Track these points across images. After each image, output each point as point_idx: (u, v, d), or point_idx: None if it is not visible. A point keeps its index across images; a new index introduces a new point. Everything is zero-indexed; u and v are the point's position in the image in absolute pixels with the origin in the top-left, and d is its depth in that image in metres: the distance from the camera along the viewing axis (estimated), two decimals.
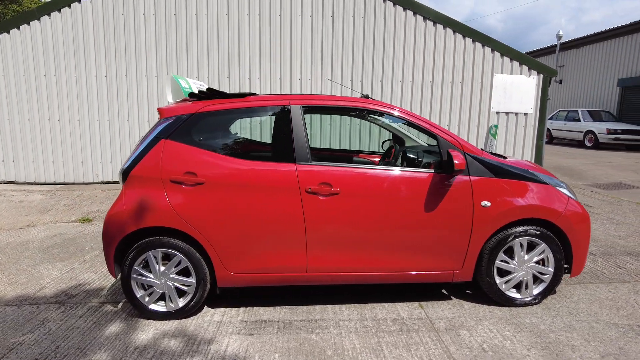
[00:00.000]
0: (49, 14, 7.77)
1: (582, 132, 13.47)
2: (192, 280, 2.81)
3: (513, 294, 2.98)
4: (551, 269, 2.95)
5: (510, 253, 2.94)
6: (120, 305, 3.09)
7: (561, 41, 17.24)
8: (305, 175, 2.77)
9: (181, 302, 2.84)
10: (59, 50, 7.79)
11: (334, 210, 2.77)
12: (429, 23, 8.24)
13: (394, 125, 3.91)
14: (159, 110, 2.94)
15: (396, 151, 3.44)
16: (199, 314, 2.94)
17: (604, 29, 15.91)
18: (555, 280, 2.97)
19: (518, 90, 8.66)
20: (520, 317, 2.84)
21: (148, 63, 7.85)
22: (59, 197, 7.02)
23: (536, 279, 3.00)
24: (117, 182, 8.03)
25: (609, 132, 12.46)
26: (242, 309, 3.02)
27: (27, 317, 2.93)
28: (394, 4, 8.14)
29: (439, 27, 8.27)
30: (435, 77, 8.43)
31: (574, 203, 2.95)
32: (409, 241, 2.83)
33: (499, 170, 2.88)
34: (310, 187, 2.76)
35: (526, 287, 2.98)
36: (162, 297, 2.89)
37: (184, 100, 3.13)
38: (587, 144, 13.43)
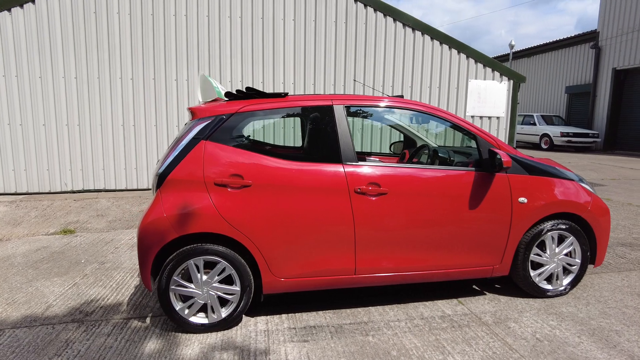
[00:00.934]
0: (9, 10, 7.14)
1: (539, 135, 14.44)
2: (236, 288, 2.67)
3: (545, 285, 3.11)
4: (578, 260, 3.11)
5: (542, 246, 3.07)
6: (148, 320, 2.87)
7: (513, 50, 18.42)
8: (354, 175, 2.73)
9: (224, 313, 2.69)
10: (21, 49, 7.18)
11: (382, 211, 2.75)
12: (408, 30, 8.49)
13: (405, 125, 3.96)
14: (193, 110, 2.78)
15: (429, 152, 3.48)
16: (240, 324, 2.79)
17: (552, 40, 17.23)
18: (582, 270, 3.14)
19: (491, 95, 9.12)
20: (556, 307, 2.96)
21: (123, 65, 7.43)
22: (27, 208, 6.43)
23: (565, 271, 3.15)
24: (90, 191, 7.50)
25: (562, 135, 13.45)
26: (284, 315, 2.91)
27: (44, 339, 2.64)
28: (375, 10, 8.31)
29: (418, 33, 8.54)
30: (415, 82, 8.68)
31: (596, 197, 3.14)
32: (454, 239, 2.88)
33: (531, 167, 3.00)
34: (359, 188, 2.72)
35: (557, 279, 3.12)
36: (202, 308, 2.72)
37: (215, 100, 2.99)
38: (543, 146, 14.43)
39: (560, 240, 3.09)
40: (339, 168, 2.73)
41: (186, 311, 2.65)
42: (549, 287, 3.10)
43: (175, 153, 2.65)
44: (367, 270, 2.80)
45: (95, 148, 7.50)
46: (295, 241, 2.67)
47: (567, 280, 3.13)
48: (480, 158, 2.94)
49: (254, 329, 2.73)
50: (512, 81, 9.17)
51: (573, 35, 15.70)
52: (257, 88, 7.96)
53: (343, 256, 2.75)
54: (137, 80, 7.52)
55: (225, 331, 2.70)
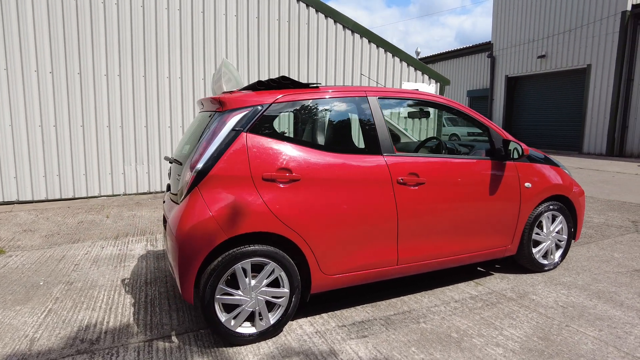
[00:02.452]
0: None
1: (448, 135, 15.96)
2: (284, 290, 2.48)
3: (542, 260, 3.47)
4: (565, 237, 3.54)
5: (540, 226, 3.42)
6: (175, 338, 2.52)
7: (419, 57, 20.11)
8: (395, 166, 2.74)
9: (273, 318, 2.48)
10: None
11: (421, 200, 2.80)
12: (348, 32, 8.74)
13: (392, 122, 4.09)
14: (223, 99, 2.52)
15: (442, 144, 3.61)
16: (285, 329, 2.61)
17: (454, 49, 19.23)
18: (568, 245, 3.57)
19: None
20: (557, 279, 3.33)
21: (39, 58, 6.38)
22: None
23: (556, 247, 3.56)
24: (6, 204, 6.29)
25: (469, 134, 15.07)
26: (324, 315, 2.79)
27: None
28: (317, 11, 8.40)
29: (357, 36, 8.84)
30: (355, 82, 8.97)
31: (574, 180, 3.60)
32: (479, 223, 3.06)
33: (531, 156, 3.33)
34: (401, 178, 2.74)
35: (551, 254, 3.51)
36: (248, 317, 2.47)
37: (240, 90, 2.76)
38: None
39: (553, 219, 3.48)
40: (380, 159, 2.72)
41: (232, 322, 2.39)
42: (545, 262, 3.48)
43: (214, 146, 2.37)
44: (408, 259, 2.83)
45: (4, 153, 6.32)
46: (343, 235, 2.59)
47: (558, 255, 3.54)
48: (492, 148, 3.17)
49: (303, 332, 2.57)
50: (438, 84, 10.01)
51: (472, 45, 17.76)
52: (175, 90, 7.49)
53: (387, 247, 2.74)
54: (58, 74, 6.53)
55: (274, 338, 2.50)
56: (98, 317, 2.82)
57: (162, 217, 5.67)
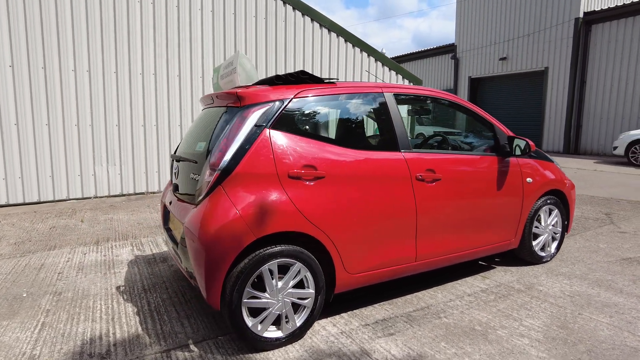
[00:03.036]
0: None
1: (416, 134, 16.36)
2: (310, 290, 2.41)
3: (541, 253, 3.60)
4: (560, 229, 3.70)
5: (538, 220, 3.55)
6: (194, 347, 2.38)
7: None
8: (413, 162, 2.74)
9: (299, 321, 2.40)
10: None
11: (437, 196, 2.82)
12: (325, 30, 8.72)
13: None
14: (241, 94, 2.40)
15: (446, 140, 3.65)
16: (309, 331, 2.53)
17: (419, 50, 19.75)
18: (562, 237, 3.73)
19: None
20: (556, 270, 3.47)
21: None
22: None
23: (552, 239, 3.71)
24: None
25: (435, 134, 15.52)
26: (344, 315, 2.74)
27: None
28: (294, 9, 8.31)
29: (333, 35, 8.84)
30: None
31: (566, 176, 3.77)
32: (489, 218, 3.12)
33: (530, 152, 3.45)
34: (419, 174, 2.74)
35: (548, 246, 3.65)
36: (274, 320, 2.37)
37: (255, 84, 2.65)
38: None
39: (549, 213, 3.62)
40: (399, 155, 2.71)
41: (259, 327, 2.28)
42: (543, 254, 3.61)
43: (237, 143, 2.26)
44: (425, 256, 2.84)
45: None
46: (366, 233, 2.55)
47: (554, 247, 3.69)
48: (497, 144, 3.25)
49: (328, 332, 2.51)
50: (412, 84, 10.21)
51: (436, 47, 18.31)
52: (149, 87, 7.21)
53: (406, 244, 2.73)
54: (19, 69, 6.04)
55: (300, 341, 2.42)
56: (101, 329, 2.61)
57: (146, 219, 5.38)
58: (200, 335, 2.50)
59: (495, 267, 3.57)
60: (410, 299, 2.97)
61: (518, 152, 3.20)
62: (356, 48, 9.20)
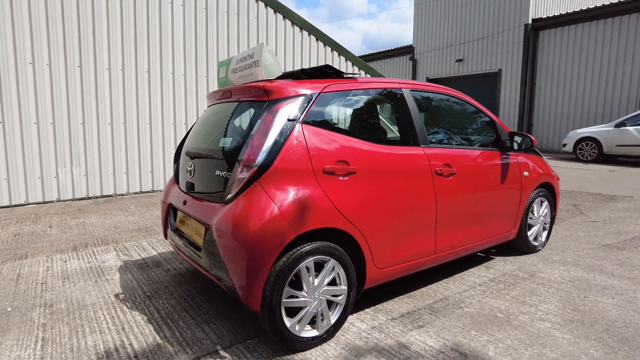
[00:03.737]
0: None
1: None
2: (343, 287, 2.37)
3: (534, 242, 3.80)
4: (549, 220, 3.92)
5: (532, 211, 3.74)
6: (224, 352, 2.26)
7: None
8: (432, 157, 2.78)
9: (333, 318, 2.36)
10: None
11: (453, 190, 2.89)
12: (296, 28, 8.67)
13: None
14: (270, 88, 2.32)
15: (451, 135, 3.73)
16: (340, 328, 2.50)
17: (378, 50, 20.15)
18: (551, 227, 3.96)
19: None
20: (550, 258, 3.68)
21: None
22: None
23: (543, 229, 3.92)
24: None
25: None
26: (368, 310, 2.72)
27: None
28: (266, 6, 8.19)
29: (305, 33, 8.81)
30: None
31: (551, 169, 4.01)
32: (495, 210, 3.24)
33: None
34: (438, 169, 2.79)
35: (539, 236, 3.86)
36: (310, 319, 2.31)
37: (278, 78, 2.57)
38: None
39: (540, 204, 3.83)
40: (420, 150, 2.74)
41: (297, 327, 2.21)
42: (536, 243, 3.82)
43: (272, 138, 2.18)
44: (443, 248, 2.90)
45: None
46: (393, 227, 2.56)
47: (544, 236, 3.91)
48: (498, 140, 3.39)
49: (358, 329, 2.49)
50: None
51: (395, 47, 18.80)
52: (117, 83, 6.86)
53: (427, 237, 2.77)
54: None
55: (334, 339, 2.38)
56: (114, 340, 2.42)
57: (123, 223, 5.06)
58: (227, 340, 2.39)
59: (494, 258, 3.72)
60: (426, 291, 3.02)
61: (516, 147, 3.36)
62: (327, 47, 9.22)
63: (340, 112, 2.52)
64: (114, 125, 6.66)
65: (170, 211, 3.05)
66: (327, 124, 2.39)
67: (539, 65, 14.00)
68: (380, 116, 2.74)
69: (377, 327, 2.50)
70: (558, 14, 14.02)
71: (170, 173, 7.30)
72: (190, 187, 2.65)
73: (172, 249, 4.07)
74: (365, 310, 2.74)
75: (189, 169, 2.65)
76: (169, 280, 3.33)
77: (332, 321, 2.34)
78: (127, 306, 2.87)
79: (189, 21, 7.24)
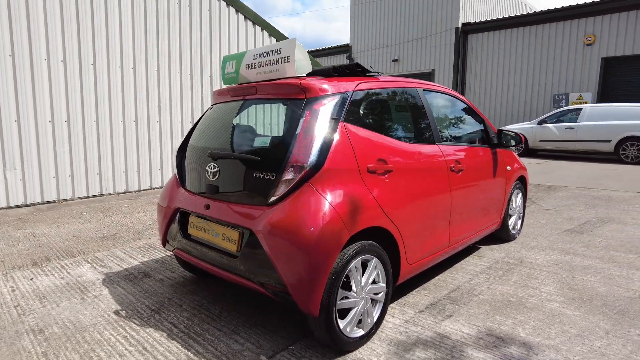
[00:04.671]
0: None
1: None
2: (382, 285, 2.39)
3: (512, 231, 4.14)
4: (523, 209, 4.30)
5: (510, 202, 4.07)
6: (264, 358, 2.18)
7: None
8: (447, 154, 2.91)
9: (375, 316, 2.37)
10: None
11: (462, 185, 3.04)
12: (249, 23, 8.46)
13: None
14: (307, 86, 2.26)
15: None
16: None
17: (316, 48, 20.29)
18: (524, 216, 4.35)
19: None
20: (527, 244, 4.03)
21: None
22: None
23: (518, 218, 4.29)
24: None
25: None
26: (393, 306, 2.75)
27: None
28: None
29: (257, 28, 8.63)
30: None
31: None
32: (489, 202, 3.47)
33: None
34: (452, 165, 2.92)
35: (516, 225, 4.21)
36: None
37: (308, 75, 2.50)
38: None
39: (517, 196, 4.18)
40: (437, 148, 2.85)
41: (348, 328, 2.19)
42: (514, 232, 4.16)
43: (320, 137, 2.12)
44: (454, 241, 3.04)
45: None
46: (421, 223, 2.63)
47: (519, 225, 4.28)
48: (487, 137, 3.63)
49: (394, 324, 2.53)
50: None
51: (333, 46, 19.11)
52: (58, 77, 6.24)
53: (444, 231, 2.90)
54: None
55: (375, 336, 2.40)
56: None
57: (82, 231, 4.56)
58: (268, 349, 2.29)
59: (480, 247, 3.99)
60: (436, 282, 3.16)
61: (506, 143, 3.63)
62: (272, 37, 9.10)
63: (372, 111, 2.53)
64: (55, 124, 5.97)
65: (174, 217, 2.83)
66: (362, 122, 2.39)
67: (469, 67, 15.17)
68: (404, 114, 2.80)
69: (410, 321, 2.56)
70: (485, 19, 15.30)
71: (119, 174, 6.73)
72: (214, 189, 2.48)
73: (156, 257, 3.78)
74: (391, 305, 2.79)
75: (211, 170, 2.48)
76: (169, 291, 3.09)
77: (375, 319, 2.36)
78: (135, 323, 2.62)
79: (138, 12, 6.70)
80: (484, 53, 14.86)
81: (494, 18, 14.60)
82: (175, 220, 2.80)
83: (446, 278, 3.24)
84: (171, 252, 2.90)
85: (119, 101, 6.61)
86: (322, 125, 2.16)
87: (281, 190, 2.10)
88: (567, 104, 13.24)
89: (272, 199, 2.13)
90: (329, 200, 2.06)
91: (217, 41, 7.88)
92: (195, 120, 7.69)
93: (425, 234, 2.69)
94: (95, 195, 6.49)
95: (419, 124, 2.81)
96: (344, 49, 18.88)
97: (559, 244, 4.04)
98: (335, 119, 2.22)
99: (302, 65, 2.43)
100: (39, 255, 3.89)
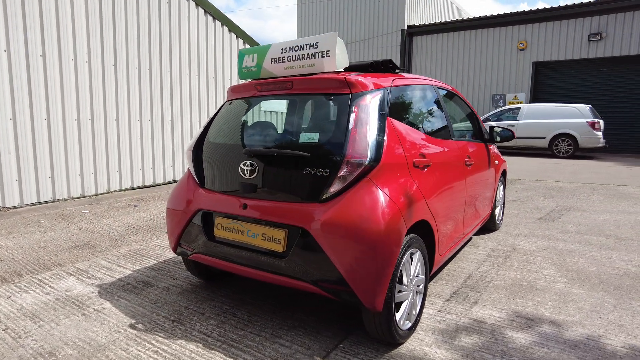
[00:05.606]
0: None
1: None
2: (422, 277, 2.44)
3: (497, 221, 4.42)
4: (503, 200, 4.61)
5: (497, 194, 4.34)
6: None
7: None
8: (462, 149, 3.04)
9: (418, 307, 2.42)
10: None
11: (472, 178, 3.19)
12: (209, 18, 8.16)
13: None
14: (353, 81, 2.23)
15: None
16: None
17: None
18: (504, 207, 4.66)
19: None
20: (511, 232, 4.33)
21: None
22: None
23: (500, 208, 4.58)
24: None
25: None
26: None
27: None
28: None
29: (218, 23, 8.35)
30: (217, 72, 8.46)
31: None
32: (485, 195, 3.68)
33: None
34: (465, 159, 3.06)
35: (500, 215, 4.51)
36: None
37: (346, 70, 2.48)
38: None
39: (500, 188, 4.47)
40: (454, 144, 2.96)
41: (402, 321, 2.22)
42: (498, 222, 4.45)
43: (373, 132, 2.11)
44: (466, 231, 3.18)
45: None
46: (449, 215, 2.73)
47: (501, 215, 4.58)
48: (479, 133, 3.84)
49: (429, 314, 2.57)
50: None
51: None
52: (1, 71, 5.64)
53: (460, 223, 3.02)
54: None
55: (418, 327, 2.45)
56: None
57: (48, 240, 4.09)
58: (319, 349, 2.24)
59: (472, 238, 4.22)
60: (448, 272, 3.28)
61: (498, 139, 3.87)
62: (240, 39, 8.87)
63: (406, 106, 2.57)
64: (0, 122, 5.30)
65: (192, 219, 2.65)
66: (401, 117, 2.42)
67: (414, 67, 15.88)
68: (429, 110, 2.87)
69: (443, 310, 2.64)
70: (428, 22, 16.11)
71: (74, 177, 6.14)
72: (251, 188, 2.35)
73: (149, 265, 3.53)
74: None
75: (246, 168, 2.35)
76: (181, 299, 2.89)
77: (418, 310, 2.41)
78: (161, 336, 2.42)
79: (92, 4, 6.15)
80: (428, 54, 15.66)
81: (437, 22, 15.45)
82: (194, 222, 2.62)
83: (455, 268, 3.38)
84: (188, 257, 2.71)
85: (72, 97, 6.02)
86: (373, 120, 2.16)
87: (337, 186, 2.06)
88: (504, 104, 14.40)
89: (326, 195, 2.08)
90: (388, 194, 2.06)
91: (177, 35, 7.48)
92: (162, 118, 7.24)
93: (450, 226, 2.79)
94: (48, 201, 5.87)
95: (440, 120, 2.91)
96: None
97: (539, 231, 4.40)
98: (382, 114, 2.22)
99: (340, 59, 2.40)
100: (5, 271, 3.44)
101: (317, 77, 2.32)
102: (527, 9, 13.42)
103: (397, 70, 2.73)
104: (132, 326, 2.53)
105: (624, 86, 12.80)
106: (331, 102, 2.25)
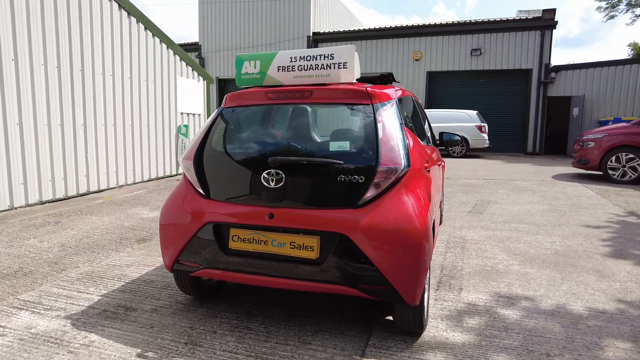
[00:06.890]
0: None
1: None
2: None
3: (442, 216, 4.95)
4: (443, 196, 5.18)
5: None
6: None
7: None
8: (436, 153, 3.38)
9: (427, 297, 2.65)
10: None
11: (439, 178, 3.56)
12: (124, 13, 7.54)
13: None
14: (373, 93, 2.38)
15: None
16: None
17: None
18: (443, 203, 5.23)
19: (193, 93, 9.64)
20: (454, 225, 4.89)
21: None
22: None
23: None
24: None
25: None
26: None
27: None
28: None
29: (133, 20, 7.76)
30: (133, 73, 7.81)
31: None
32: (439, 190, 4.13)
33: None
34: (439, 163, 3.41)
35: (443, 211, 5.04)
36: None
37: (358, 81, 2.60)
38: None
39: None
40: (432, 148, 3.30)
41: (425, 312, 2.44)
42: (442, 217, 4.99)
43: (400, 140, 2.28)
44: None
45: None
46: (435, 212, 3.04)
47: (444, 211, 5.13)
48: (433, 137, 4.29)
49: (443, 304, 2.86)
50: (205, 81, 10.07)
51: (182, 43, 17.87)
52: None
53: (438, 217, 3.37)
54: None
55: (431, 315, 2.69)
56: None
57: (22, 255, 3.39)
58: (353, 349, 2.32)
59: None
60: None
61: (451, 144, 4.35)
62: (156, 38, 8.30)
63: (407, 116, 2.79)
64: None
65: (197, 233, 2.51)
66: (409, 126, 2.65)
67: None
68: (418, 119, 3.14)
69: (439, 299, 2.93)
70: (332, 30, 16.83)
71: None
72: (277, 197, 2.33)
73: (115, 287, 3.21)
74: None
75: (271, 177, 2.32)
76: (180, 320, 2.70)
77: (427, 300, 2.66)
78: (202, 347, 2.27)
79: None
80: None
81: (338, 30, 16.27)
82: (199, 237, 2.49)
83: (436, 259, 3.74)
84: (191, 274, 2.56)
85: None
86: (397, 129, 2.33)
87: (372, 191, 2.18)
88: None
89: (362, 201, 2.19)
90: (420, 197, 2.26)
91: (89, 31, 6.68)
92: (74, 122, 6.36)
93: (437, 220, 3.11)
94: None
95: (424, 126, 3.21)
96: (194, 47, 17.99)
97: (475, 222, 5.05)
98: (401, 123, 2.41)
99: (356, 71, 2.52)
100: None
101: (339, 87, 2.40)
102: (422, 22, 15.02)
103: (393, 83, 2.96)
104: (140, 355, 2.30)
105: (501, 94, 15.15)
106: (354, 112, 2.36)
